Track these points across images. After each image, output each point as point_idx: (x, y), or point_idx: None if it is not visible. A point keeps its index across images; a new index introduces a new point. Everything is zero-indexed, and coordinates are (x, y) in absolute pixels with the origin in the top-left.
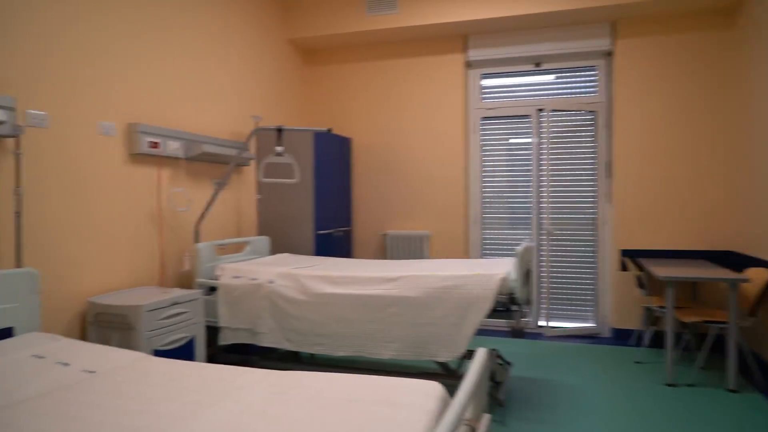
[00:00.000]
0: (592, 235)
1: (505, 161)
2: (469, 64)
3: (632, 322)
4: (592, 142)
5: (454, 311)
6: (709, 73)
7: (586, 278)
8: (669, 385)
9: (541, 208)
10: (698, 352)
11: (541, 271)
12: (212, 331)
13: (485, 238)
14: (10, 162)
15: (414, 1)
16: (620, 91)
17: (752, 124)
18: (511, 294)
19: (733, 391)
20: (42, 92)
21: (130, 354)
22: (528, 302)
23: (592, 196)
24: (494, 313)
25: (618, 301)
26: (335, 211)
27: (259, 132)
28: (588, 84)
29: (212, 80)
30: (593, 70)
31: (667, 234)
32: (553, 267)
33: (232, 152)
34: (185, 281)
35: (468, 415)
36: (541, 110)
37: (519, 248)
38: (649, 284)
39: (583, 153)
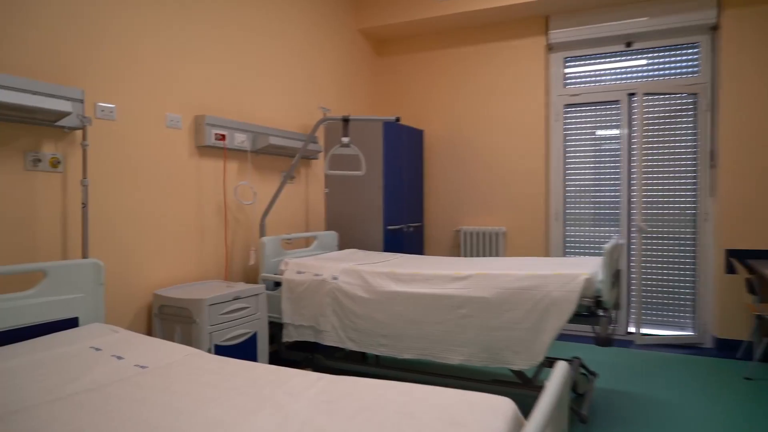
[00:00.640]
0: (691, 233)
1: (590, 151)
2: (550, 47)
3: (740, 331)
4: (692, 128)
5: (531, 315)
6: None
7: (684, 281)
8: None
9: (632, 202)
10: None
11: (632, 272)
12: (277, 327)
13: (568, 236)
14: (78, 154)
15: None
16: (727, 69)
17: None
18: (598, 297)
19: None
20: (110, 85)
21: (183, 349)
22: (616, 306)
23: (692, 189)
24: (577, 318)
25: (723, 308)
26: (406, 206)
27: (325, 123)
28: (688, 63)
29: (281, 71)
30: (694, 48)
31: None
32: (645, 267)
33: (300, 145)
34: (251, 276)
35: None
36: (632, 95)
37: (607, 246)
38: (762, 289)
39: (682, 141)
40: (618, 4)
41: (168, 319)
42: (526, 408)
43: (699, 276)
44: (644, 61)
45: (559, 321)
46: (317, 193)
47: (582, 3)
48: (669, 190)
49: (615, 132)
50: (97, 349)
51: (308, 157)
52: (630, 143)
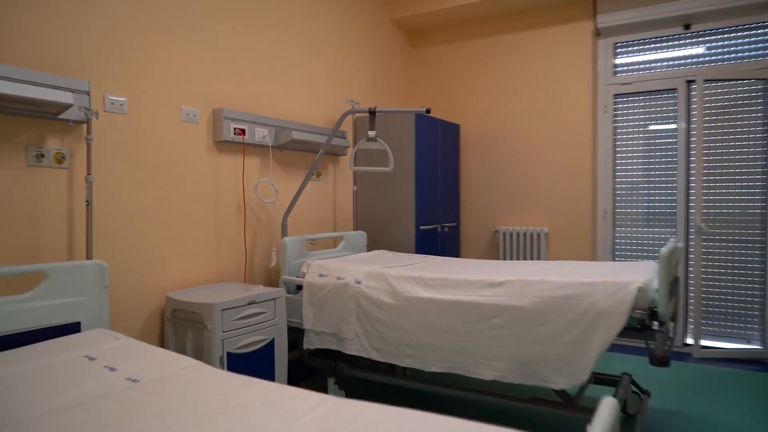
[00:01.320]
0: (759, 234)
1: (643, 144)
2: (598, 32)
3: None
4: (760, 118)
5: (573, 327)
6: None
7: (751, 287)
8: None
9: (690, 200)
10: None
11: (690, 277)
12: (300, 333)
13: (618, 237)
14: (85, 149)
15: None
16: None
17: None
18: (652, 308)
19: None
20: (121, 77)
21: (182, 361)
22: (674, 319)
23: (761, 186)
24: (628, 332)
25: None
26: (441, 205)
27: (355, 118)
28: (756, 45)
29: (306, 63)
30: (764, 27)
31: None
32: (705, 272)
33: (326, 140)
34: (274, 278)
35: None
36: (691, 82)
37: (664, 250)
38: None
39: (748, 132)
40: None
41: (180, 324)
42: (568, 431)
43: None
44: (704, 46)
45: (606, 335)
46: (346, 191)
47: None
48: (733, 187)
49: (671, 123)
50: (91, 359)
51: (336, 153)
52: (688, 135)
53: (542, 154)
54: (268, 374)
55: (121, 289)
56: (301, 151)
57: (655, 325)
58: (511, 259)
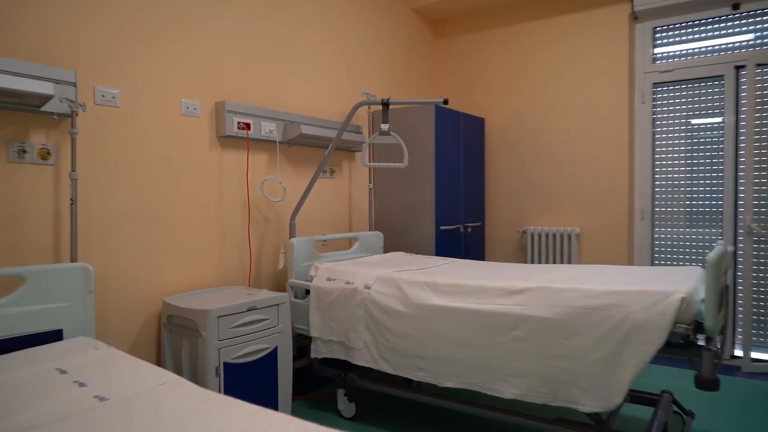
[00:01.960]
0: None
1: (686, 137)
2: (636, 16)
3: None
4: None
5: (605, 343)
6: None
7: None
8: None
9: (739, 198)
10: None
11: (739, 283)
12: (309, 340)
13: (657, 239)
14: (77, 144)
15: None
16: None
17: None
18: (698, 321)
19: None
20: (114, 67)
21: (160, 376)
22: (722, 333)
23: None
24: (669, 348)
25: None
26: (463, 203)
27: (372, 112)
28: None
29: (320, 54)
30: None
31: None
32: (757, 277)
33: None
34: (282, 281)
35: None
36: (740, 67)
37: (712, 255)
38: None
39: None
40: None
41: (176, 331)
42: None
43: None
44: (755, 28)
45: (643, 353)
46: (362, 189)
47: None
48: None
49: (718, 114)
50: (63, 372)
51: (350, 149)
52: (737, 127)
53: (574, 148)
54: (271, 385)
55: (115, 293)
56: (312, 147)
57: (701, 340)
58: (540, 261)
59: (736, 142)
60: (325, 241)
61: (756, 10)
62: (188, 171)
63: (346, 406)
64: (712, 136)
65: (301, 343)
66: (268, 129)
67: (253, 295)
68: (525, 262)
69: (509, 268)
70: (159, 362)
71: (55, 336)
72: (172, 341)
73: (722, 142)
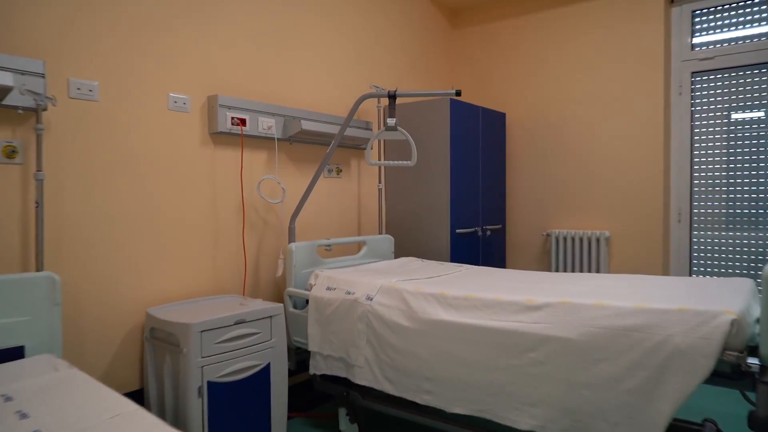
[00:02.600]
0: None
1: (729, 131)
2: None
3: None
4: None
5: (638, 370)
6: None
7: None
8: None
9: None
10: None
11: None
12: (309, 354)
13: (696, 243)
14: (44, 142)
15: None
16: None
17: None
18: (752, 347)
19: None
20: (91, 57)
21: (116, 406)
22: None
23: None
24: (716, 378)
25: None
26: (482, 205)
27: (377, 105)
28: None
29: (327, 45)
30: None
31: None
32: None
33: (347, 131)
34: (282, 289)
35: None
36: None
37: None
38: None
39: None
40: None
41: (159, 346)
42: None
43: None
44: None
45: (684, 385)
46: (372, 190)
47: None
48: None
49: (764, 105)
50: (8, 399)
51: (359, 147)
52: None
53: (603, 145)
54: (263, 405)
55: (92, 304)
56: (317, 145)
57: (756, 370)
58: (565, 267)
59: None
60: (328, 245)
61: None
62: (177, 170)
63: (347, 426)
64: (758, 131)
65: (303, 356)
66: (266, 125)
67: (245, 306)
68: (549, 267)
69: (528, 277)
70: (142, 380)
71: (16, 354)
72: (155, 357)
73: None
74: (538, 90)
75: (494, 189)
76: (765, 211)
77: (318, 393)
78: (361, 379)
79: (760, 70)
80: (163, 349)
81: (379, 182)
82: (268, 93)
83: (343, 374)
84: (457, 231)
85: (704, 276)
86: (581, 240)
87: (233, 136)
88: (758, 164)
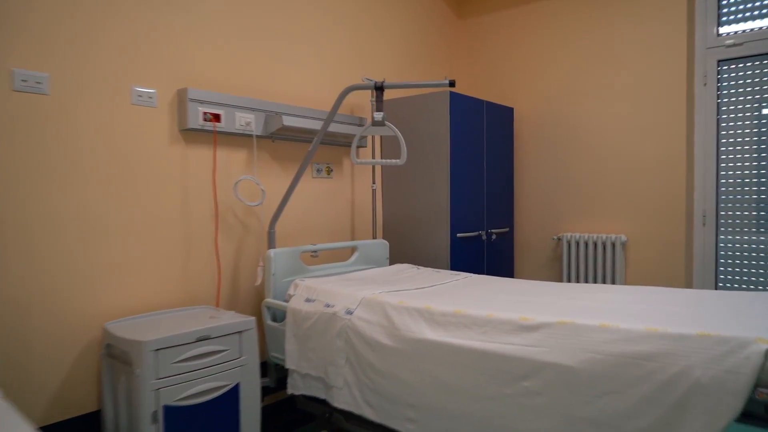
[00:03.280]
0: None
1: (758, 125)
2: None
3: None
4: None
5: (650, 407)
6: None
7: None
8: None
9: None
10: None
11: None
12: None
13: (723, 248)
14: None
15: None
16: None
17: None
18: None
19: None
20: (41, 47)
21: None
22: None
23: None
24: (746, 419)
25: None
26: (486, 206)
27: (371, 100)
28: None
29: (318, 34)
30: None
31: None
32: None
33: (335, 128)
34: (263, 299)
35: None
36: None
37: None
38: None
39: None
40: None
41: (115, 365)
42: None
43: None
44: None
45: (707, 426)
46: (366, 191)
47: None
48: None
49: None
50: None
51: (351, 145)
52: None
53: (620, 141)
54: (230, 430)
55: (42, 317)
56: (304, 143)
57: None
58: (578, 274)
59: None
60: (314, 251)
61: None
62: (142, 171)
63: None
64: None
65: (284, 372)
66: (244, 121)
67: (215, 319)
68: (559, 274)
69: (529, 288)
70: (99, 401)
71: None
72: (113, 376)
73: None
74: (549, 83)
75: (501, 189)
76: None
77: (299, 414)
78: (340, 401)
79: None
80: (119, 368)
81: (373, 183)
82: (249, 87)
83: (322, 395)
84: (458, 235)
85: (733, 287)
86: (595, 244)
87: (206, 133)
88: None
